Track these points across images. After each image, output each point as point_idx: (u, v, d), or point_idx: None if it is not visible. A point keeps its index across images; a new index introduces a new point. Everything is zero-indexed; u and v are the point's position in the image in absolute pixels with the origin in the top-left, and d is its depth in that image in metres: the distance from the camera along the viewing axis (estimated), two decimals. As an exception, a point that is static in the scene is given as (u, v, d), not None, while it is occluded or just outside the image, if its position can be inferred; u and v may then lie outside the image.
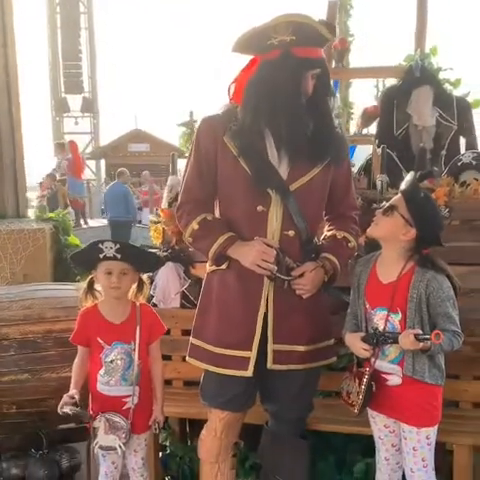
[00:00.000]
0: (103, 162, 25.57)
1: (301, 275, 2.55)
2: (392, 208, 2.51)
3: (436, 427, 2.56)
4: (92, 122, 29.87)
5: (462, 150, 3.80)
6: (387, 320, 2.52)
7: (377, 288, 2.57)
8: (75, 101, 29.17)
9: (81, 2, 28.96)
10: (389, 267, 2.55)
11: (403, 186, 2.55)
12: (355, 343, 2.57)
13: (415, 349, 2.42)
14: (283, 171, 2.53)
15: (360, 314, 2.62)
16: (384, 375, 2.55)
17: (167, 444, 3.50)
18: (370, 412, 2.67)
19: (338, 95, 4.58)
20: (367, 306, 2.59)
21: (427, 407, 2.53)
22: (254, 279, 2.55)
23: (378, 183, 3.34)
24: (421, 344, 2.40)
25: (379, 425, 2.66)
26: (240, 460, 3.19)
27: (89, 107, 29.44)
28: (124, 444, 2.71)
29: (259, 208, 2.52)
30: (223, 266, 2.61)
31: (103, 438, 2.71)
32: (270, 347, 2.57)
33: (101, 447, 2.73)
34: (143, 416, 2.77)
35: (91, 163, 25.67)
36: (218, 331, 2.61)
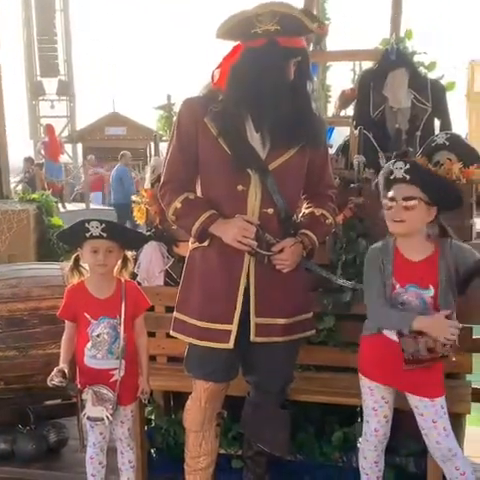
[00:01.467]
0: (80, 146, 25.37)
1: (281, 251, 2.64)
2: (412, 199, 2.54)
3: (444, 397, 2.63)
4: (68, 105, 29.56)
5: (436, 131, 3.90)
6: (419, 296, 2.59)
7: (406, 267, 2.62)
8: (51, 84, 28.83)
9: (56, -16, 28.57)
10: (416, 246, 2.62)
11: (407, 174, 2.56)
12: (441, 323, 2.50)
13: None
14: (262, 151, 2.62)
15: (386, 295, 2.64)
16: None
17: (152, 418, 3.60)
18: (368, 383, 2.72)
19: (316, 78, 4.65)
20: (396, 286, 2.63)
21: (439, 377, 2.62)
22: (235, 255, 2.64)
23: (355, 163, 3.43)
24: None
25: (376, 396, 2.72)
26: (223, 431, 3.29)
27: (65, 90, 29.10)
28: (111, 415, 2.80)
29: (239, 187, 2.61)
30: (205, 243, 2.70)
31: (91, 409, 2.80)
32: (253, 320, 2.67)
33: (89, 418, 2.82)
34: (129, 388, 2.87)
35: (68, 147, 25.44)
36: (200, 305, 2.71)
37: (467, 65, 15.08)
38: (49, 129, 16.79)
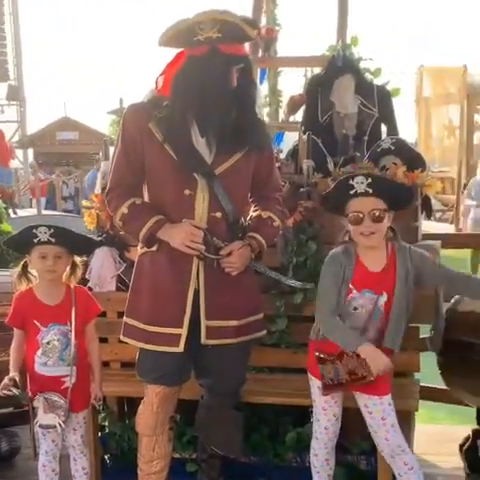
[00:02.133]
0: (31, 151, 25.02)
1: (229, 254, 2.68)
2: (379, 210, 2.60)
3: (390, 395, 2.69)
4: (19, 110, 29.10)
5: (383, 136, 3.99)
6: (372, 301, 2.65)
7: (365, 275, 2.68)
8: (0, 89, 28.39)
9: (4, -13, 28.14)
10: (376, 256, 2.68)
11: (370, 188, 2.60)
12: (380, 358, 2.58)
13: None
14: (208, 156, 2.66)
15: (341, 298, 2.69)
16: None
17: (106, 424, 3.58)
18: (317, 383, 2.75)
19: (266, 84, 4.71)
20: (353, 291, 2.68)
21: (386, 375, 2.66)
22: (184, 259, 2.67)
23: (304, 168, 3.48)
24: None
25: (326, 396, 2.76)
26: (178, 435, 3.30)
27: (15, 95, 28.63)
28: (63, 422, 2.79)
29: (186, 192, 2.65)
30: (153, 248, 2.72)
31: (43, 417, 2.78)
32: (203, 323, 2.70)
33: (41, 426, 2.80)
34: (81, 395, 2.86)
35: (19, 152, 25.06)
36: (150, 310, 2.73)
37: (416, 70, 15.39)
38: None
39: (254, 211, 2.89)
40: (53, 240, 2.74)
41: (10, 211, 14.18)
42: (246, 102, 2.68)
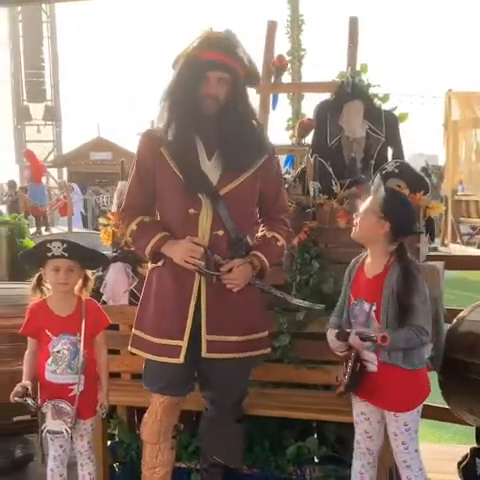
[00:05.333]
0: (65, 170, 25.50)
1: (229, 270, 2.77)
2: (364, 210, 2.75)
3: (415, 413, 2.72)
4: (55, 130, 29.77)
5: (390, 159, 4.09)
6: (365, 310, 2.73)
7: (362, 282, 2.79)
8: (37, 109, 29.07)
9: (43, 11, 28.87)
10: (374, 263, 2.77)
11: (371, 188, 2.79)
12: (330, 338, 2.79)
13: (363, 347, 2.66)
14: (214, 177, 2.78)
15: (345, 306, 2.84)
16: (364, 361, 2.73)
17: (116, 433, 3.71)
18: (353, 397, 2.83)
19: (278, 109, 4.84)
20: (351, 298, 2.81)
21: (401, 392, 2.68)
22: (186, 275, 2.79)
23: (311, 189, 3.61)
24: (367, 343, 2.62)
25: (357, 410, 2.84)
26: (183, 445, 3.42)
27: (51, 115, 29.35)
28: (70, 428, 2.92)
29: (191, 211, 2.77)
30: (159, 263, 2.86)
31: (51, 423, 2.92)
32: (204, 337, 2.80)
33: (49, 431, 2.94)
34: (88, 402, 2.98)
35: (53, 171, 25.59)
36: (155, 322, 2.85)
37: (444, 94, 15.39)
38: (28, 154, 16.98)
39: (260, 231, 2.99)
40: (66, 254, 2.90)
41: (42, 228, 14.54)
42: (239, 119, 2.77)
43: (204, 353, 2.81)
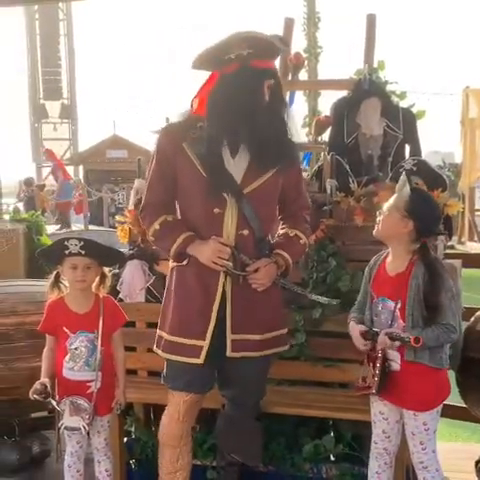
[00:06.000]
0: (81, 168, 25.60)
1: (256, 270, 2.75)
2: (388, 207, 2.75)
3: (434, 412, 2.71)
4: (71, 128, 29.89)
5: (407, 157, 4.07)
6: (388, 308, 2.73)
7: (384, 280, 2.78)
8: (54, 107, 29.20)
9: (60, 9, 28.98)
10: (396, 261, 2.76)
11: (396, 186, 2.80)
12: (354, 335, 2.78)
13: (391, 347, 2.65)
14: (238, 176, 2.74)
15: (367, 304, 2.83)
16: (388, 360, 2.71)
17: (132, 430, 3.72)
18: (372, 396, 2.81)
19: (295, 105, 4.84)
20: (373, 295, 2.80)
21: (422, 391, 2.68)
22: (211, 274, 2.76)
23: (328, 187, 3.61)
24: (396, 343, 2.62)
25: (375, 409, 2.83)
26: (199, 443, 3.42)
27: (68, 113, 29.46)
28: (88, 425, 2.94)
29: (216, 210, 2.73)
30: (183, 263, 2.82)
31: (68, 419, 2.93)
32: (229, 337, 2.77)
33: (66, 428, 2.96)
34: (105, 399, 3.00)
35: (69, 169, 25.71)
36: (177, 322, 2.81)
37: (461, 91, 15.29)
38: (50, 153, 16.99)
39: (282, 229, 2.96)
40: (83, 252, 2.91)
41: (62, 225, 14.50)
42: (278, 118, 2.75)
43: (229, 352, 2.78)
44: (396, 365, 2.70)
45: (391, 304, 2.73)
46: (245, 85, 2.66)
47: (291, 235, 2.91)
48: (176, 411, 2.89)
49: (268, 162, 2.76)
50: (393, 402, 2.75)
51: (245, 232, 2.76)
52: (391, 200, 2.78)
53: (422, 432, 2.71)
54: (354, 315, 2.89)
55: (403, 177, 2.82)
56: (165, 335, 2.87)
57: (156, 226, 2.82)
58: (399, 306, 2.70)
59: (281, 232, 2.95)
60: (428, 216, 2.76)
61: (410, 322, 2.68)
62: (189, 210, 2.83)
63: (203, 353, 2.77)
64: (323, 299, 3.05)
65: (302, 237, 2.93)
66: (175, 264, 2.88)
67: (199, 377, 2.84)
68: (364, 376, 2.75)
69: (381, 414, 2.82)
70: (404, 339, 2.60)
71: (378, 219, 2.80)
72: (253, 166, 2.75)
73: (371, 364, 2.73)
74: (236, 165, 2.75)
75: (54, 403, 2.92)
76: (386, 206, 2.78)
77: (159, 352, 2.91)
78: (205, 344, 2.77)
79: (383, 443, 2.84)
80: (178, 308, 2.83)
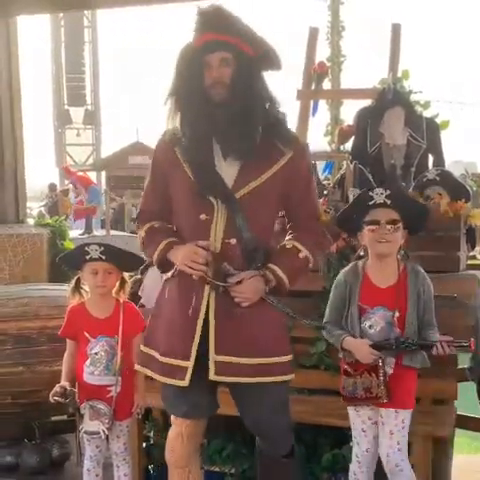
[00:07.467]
0: (104, 174, 25.82)
1: (240, 282, 2.47)
2: (397, 222, 2.73)
3: (410, 412, 2.76)
4: (94, 134, 30.14)
5: (430, 167, 4.06)
6: (386, 318, 2.74)
7: (374, 291, 2.77)
8: (77, 113, 29.48)
9: (85, 16, 29.27)
10: (385, 272, 2.78)
11: (388, 199, 2.74)
12: (362, 348, 2.72)
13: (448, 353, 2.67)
14: (229, 179, 2.50)
15: (350, 317, 2.80)
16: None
17: (151, 435, 3.73)
18: (354, 407, 2.82)
19: (318, 115, 4.85)
20: (365, 307, 2.77)
21: (408, 390, 2.75)
22: (196, 287, 2.50)
23: (350, 196, 3.60)
24: (453, 349, 2.66)
25: (363, 417, 2.82)
26: (217, 450, 3.42)
27: (91, 119, 29.72)
28: (107, 429, 2.95)
29: (202, 216, 2.50)
30: (169, 274, 2.63)
31: (88, 424, 2.96)
32: (212, 357, 2.48)
33: (86, 432, 2.99)
34: (125, 404, 3.02)
35: (92, 175, 25.95)
36: (163, 339, 2.59)
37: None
38: (66, 170, 16.93)
39: (286, 239, 2.67)
40: (103, 257, 2.93)
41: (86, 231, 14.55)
42: (239, 96, 2.44)
43: (212, 375, 2.48)
44: (390, 370, 2.74)
45: (388, 313, 2.74)
46: (184, 66, 2.48)
47: (288, 247, 2.60)
48: (179, 435, 2.68)
49: (240, 149, 2.47)
50: (380, 405, 2.76)
51: (233, 241, 2.49)
52: (391, 215, 2.74)
53: (400, 430, 2.73)
54: (341, 332, 2.81)
55: (364, 194, 2.80)
56: (152, 352, 2.63)
57: (142, 233, 2.66)
58: (397, 315, 2.73)
59: (281, 244, 2.66)
60: (420, 221, 2.81)
61: (410, 329, 2.72)
62: (179, 217, 2.63)
63: (188, 375, 2.49)
64: (314, 323, 2.86)
65: (302, 250, 2.58)
66: (165, 277, 2.69)
67: (198, 401, 2.59)
68: (367, 387, 2.73)
69: (370, 420, 2.83)
70: (461, 344, 2.65)
71: (386, 238, 2.73)
72: (247, 168, 2.49)
73: (373, 374, 2.73)
74: (228, 167, 2.51)
75: (73, 406, 2.93)
76: (393, 223, 2.73)
77: (142, 370, 2.70)
78: (190, 364, 2.49)
79: (374, 447, 2.83)
80: (164, 324, 2.60)
